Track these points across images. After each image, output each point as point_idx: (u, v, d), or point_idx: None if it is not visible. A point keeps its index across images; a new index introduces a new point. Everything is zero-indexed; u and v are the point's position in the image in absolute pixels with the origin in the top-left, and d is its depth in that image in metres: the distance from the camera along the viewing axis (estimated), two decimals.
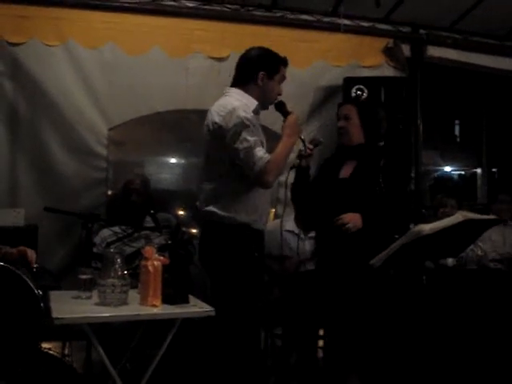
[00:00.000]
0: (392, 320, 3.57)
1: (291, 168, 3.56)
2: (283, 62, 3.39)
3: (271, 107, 3.42)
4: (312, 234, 4.82)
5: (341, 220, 3.46)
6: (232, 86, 3.39)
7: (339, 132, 3.72)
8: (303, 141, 3.44)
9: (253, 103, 3.29)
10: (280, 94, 3.41)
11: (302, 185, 3.66)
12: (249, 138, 3.13)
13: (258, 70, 3.31)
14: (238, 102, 3.24)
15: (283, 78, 3.40)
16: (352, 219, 3.46)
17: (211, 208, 3.25)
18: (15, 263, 3.06)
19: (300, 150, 3.54)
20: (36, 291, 2.88)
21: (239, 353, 3.20)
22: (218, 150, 3.24)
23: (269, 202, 3.41)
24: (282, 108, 3.36)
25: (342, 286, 3.55)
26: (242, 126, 3.14)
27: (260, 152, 3.13)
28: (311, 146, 3.57)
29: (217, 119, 3.22)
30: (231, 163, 3.20)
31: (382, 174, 3.59)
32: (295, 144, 3.37)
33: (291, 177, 3.66)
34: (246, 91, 3.32)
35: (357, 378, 3.80)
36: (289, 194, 3.67)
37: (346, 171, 3.71)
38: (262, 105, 3.36)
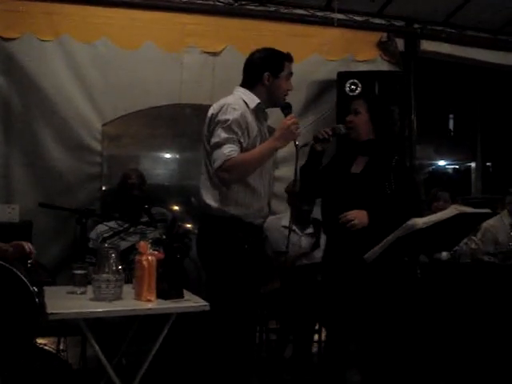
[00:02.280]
0: (388, 314, 3.57)
1: (302, 146, 3.42)
2: (287, 58, 3.39)
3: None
4: (308, 231, 4.83)
5: (346, 216, 3.46)
6: (240, 86, 3.41)
7: (347, 126, 3.69)
8: (297, 146, 3.34)
9: (254, 101, 3.31)
10: (290, 90, 3.42)
11: (312, 168, 3.64)
12: (222, 134, 3.15)
13: (262, 72, 3.32)
14: (233, 100, 3.27)
15: (290, 73, 3.40)
16: (357, 216, 3.45)
17: (207, 200, 3.28)
18: (9, 259, 3.06)
19: (317, 133, 3.53)
20: (31, 288, 2.88)
21: (232, 345, 3.20)
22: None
23: (265, 197, 3.40)
24: (285, 110, 3.37)
25: (343, 280, 3.55)
26: (223, 122, 3.17)
27: (227, 149, 3.13)
28: (330, 132, 3.57)
29: (209, 113, 3.28)
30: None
31: (393, 172, 3.58)
32: (283, 147, 3.35)
33: (287, 170, 3.62)
34: (254, 92, 3.34)
35: (356, 371, 3.82)
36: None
37: (357, 166, 3.68)
38: (272, 103, 3.39)
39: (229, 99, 3.28)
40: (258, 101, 3.31)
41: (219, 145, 3.14)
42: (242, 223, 3.27)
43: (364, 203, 3.49)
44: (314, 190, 3.79)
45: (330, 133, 3.59)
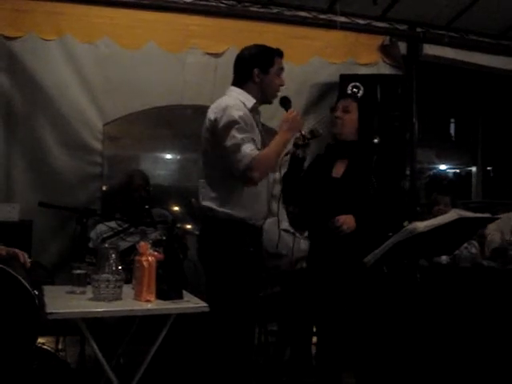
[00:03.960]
0: (386, 317, 3.57)
1: (285, 154, 3.48)
2: (277, 53, 3.37)
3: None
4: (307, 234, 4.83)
5: (335, 223, 3.45)
6: (232, 85, 3.39)
7: (334, 121, 3.67)
8: (303, 136, 3.39)
9: (250, 101, 3.29)
10: (282, 85, 3.39)
11: (294, 175, 3.62)
12: (237, 135, 3.13)
13: (251, 68, 3.30)
14: (232, 101, 3.24)
15: (281, 69, 3.38)
16: (345, 221, 3.44)
17: (208, 203, 3.26)
18: (5, 261, 3.04)
19: (296, 139, 3.49)
20: (32, 292, 2.86)
21: (232, 348, 3.20)
22: (214, 147, 3.24)
23: (266, 198, 3.40)
24: (285, 104, 3.37)
25: (336, 284, 3.54)
26: (232, 123, 3.14)
27: (247, 149, 3.12)
28: (309, 136, 3.51)
29: (211, 116, 3.23)
30: (226, 160, 3.20)
31: (374, 172, 3.56)
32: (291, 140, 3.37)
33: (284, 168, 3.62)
34: (245, 90, 3.32)
35: (351, 374, 3.81)
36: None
37: (338, 170, 3.67)
38: (265, 100, 3.37)
39: (227, 101, 3.26)
40: (254, 100, 3.30)
41: (239, 145, 3.12)
42: (246, 225, 3.26)
43: (348, 207, 3.49)
44: (297, 196, 3.76)
45: (309, 136, 3.52)
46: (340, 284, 3.52)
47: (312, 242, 3.82)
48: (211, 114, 3.25)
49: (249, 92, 3.31)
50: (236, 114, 3.16)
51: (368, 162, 3.61)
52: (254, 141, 3.19)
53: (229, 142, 3.13)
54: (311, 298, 3.80)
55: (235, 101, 3.26)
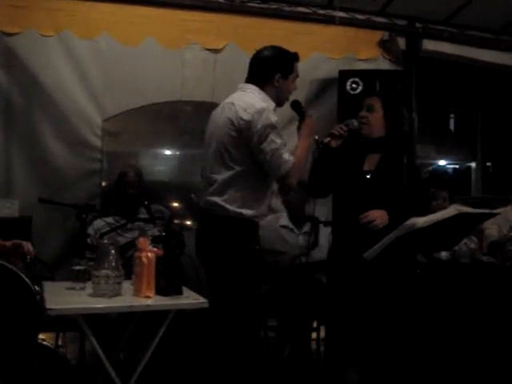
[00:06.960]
0: (388, 313, 3.57)
1: (320, 143, 3.49)
2: (296, 59, 3.37)
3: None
4: (306, 229, 4.81)
5: (368, 217, 3.43)
6: (247, 82, 3.36)
7: (360, 122, 3.62)
8: (317, 142, 3.42)
9: (272, 104, 3.29)
10: (295, 89, 3.41)
11: (324, 164, 3.59)
12: (276, 140, 3.13)
13: (274, 73, 3.29)
14: (265, 103, 3.22)
15: (297, 75, 3.39)
16: (379, 216, 3.42)
17: (217, 200, 3.22)
18: (8, 255, 3.05)
19: (332, 129, 3.50)
20: (33, 288, 2.86)
21: (237, 345, 3.19)
22: (239, 146, 3.19)
23: (270, 196, 3.41)
24: (298, 107, 3.39)
25: (357, 280, 3.50)
26: (271, 127, 3.13)
27: (286, 155, 3.15)
28: (345, 128, 3.52)
29: (244, 116, 3.16)
30: (251, 161, 3.19)
31: (405, 170, 3.53)
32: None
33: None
34: (263, 91, 3.30)
35: (354, 371, 3.81)
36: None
37: (369, 164, 3.63)
38: (278, 103, 3.36)
39: (259, 101, 3.22)
40: (274, 104, 3.30)
41: (279, 151, 3.14)
42: (252, 223, 3.26)
43: (380, 202, 3.47)
44: (326, 186, 3.73)
45: (345, 128, 3.54)
46: (361, 280, 3.49)
47: (339, 235, 3.76)
48: (243, 114, 3.17)
49: (266, 93, 3.30)
50: (273, 118, 3.17)
51: (399, 158, 3.59)
52: (285, 146, 3.20)
53: (268, 147, 3.13)
54: (323, 292, 3.78)
55: (266, 102, 3.24)
